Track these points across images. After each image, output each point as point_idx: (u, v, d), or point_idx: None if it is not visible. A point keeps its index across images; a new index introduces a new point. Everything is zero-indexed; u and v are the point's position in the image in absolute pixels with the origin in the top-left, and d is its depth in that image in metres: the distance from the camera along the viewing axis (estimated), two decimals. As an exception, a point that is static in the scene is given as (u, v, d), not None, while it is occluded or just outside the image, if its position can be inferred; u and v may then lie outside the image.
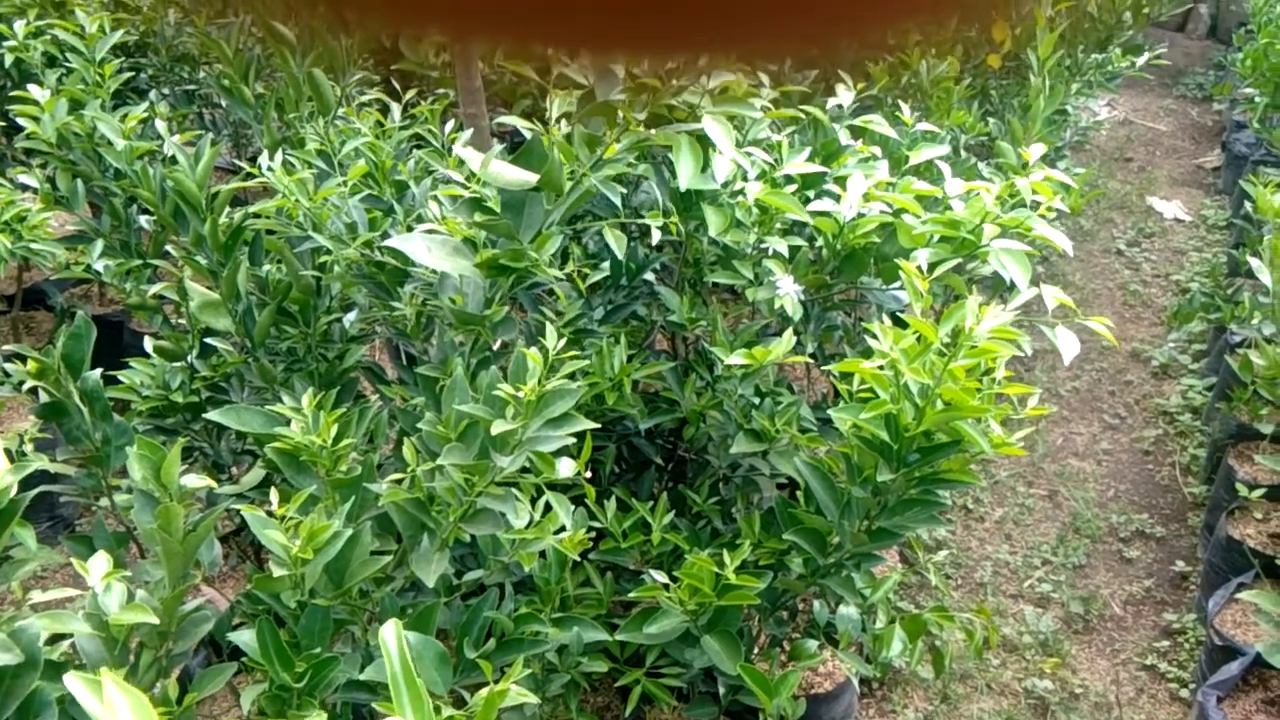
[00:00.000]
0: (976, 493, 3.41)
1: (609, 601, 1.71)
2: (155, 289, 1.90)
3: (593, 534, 1.61)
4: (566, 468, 1.17)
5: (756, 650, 2.01)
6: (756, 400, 1.77)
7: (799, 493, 1.75)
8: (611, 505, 1.64)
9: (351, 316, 1.99)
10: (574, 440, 1.16)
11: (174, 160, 1.81)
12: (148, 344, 1.97)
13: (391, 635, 0.84)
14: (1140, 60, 3.85)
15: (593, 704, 2.14)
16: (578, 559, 1.46)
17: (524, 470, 1.16)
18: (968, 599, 2.98)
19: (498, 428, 1.07)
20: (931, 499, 1.46)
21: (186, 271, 1.87)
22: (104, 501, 1.75)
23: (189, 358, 2.01)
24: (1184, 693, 2.63)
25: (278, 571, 1.07)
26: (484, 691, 1.07)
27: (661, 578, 1.46)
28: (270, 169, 1.61)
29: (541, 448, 1.12)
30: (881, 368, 1.29)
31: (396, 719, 0.76)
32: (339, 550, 1.20)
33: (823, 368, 1.53)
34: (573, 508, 1.31)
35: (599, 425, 1.24)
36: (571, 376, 1.11)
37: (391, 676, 0.81)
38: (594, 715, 1.83)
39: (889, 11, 0.24)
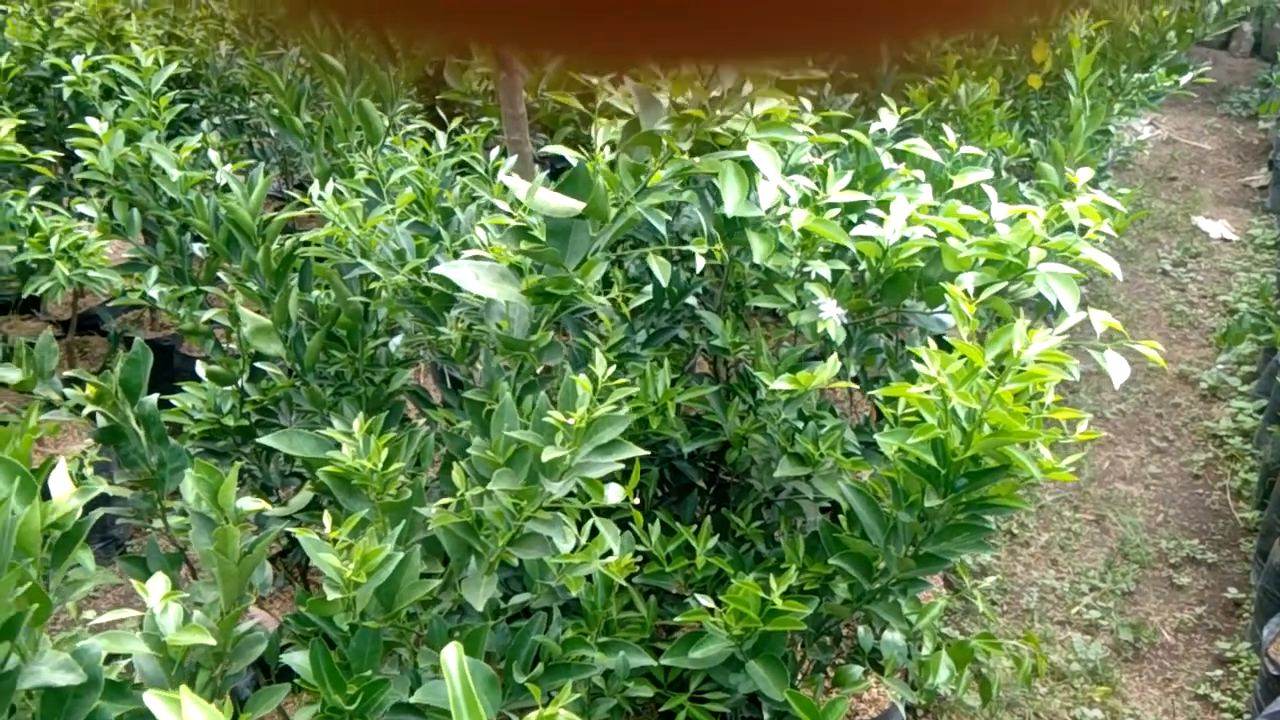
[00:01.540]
0: (1022, 518, 3.37)
1: (652, 626, 1.71)
2: (208, 315, 1.95)
3: (637, 558, 1.62)
4: (615, 494, 1.18)
5: (800, 676, 1.99)
6: (800, 424, 1.76)
7: (842, 517, 1.74)
8: (656, 529, 1.65)
9: (397, 341, 2.02)
10: (622, 466, 1.17)
11: (227, 189, 1.85)
12: (199, 368, 2.01)
13: (453, 657, 0.85)
14: (1184, 79, 3.81)
15: (636, 729, 2.14)
16: (622, 583, 1.46)
17: (570, 495, 1.17)
18: (1014, 625, 2.94)
19: (548, 454, 1.08)
20: (979, 524, 1.45)
21: (238, 297, 1.91)
22: (158, 523, 1.79)
23: (240, 382, 2.05)
24: (1239, 723, 2.57)
25: (331, 594, 1.08)
26: (532, 716, 1.07)
27: (707, 602, 1.46)
28: (321, 198, 1.64)
29: (590, 474, 1.13)
30: (928, 392, 1.29)
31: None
32: (390, 573, 1.22)
33: (868, 393, 1.52)
34: (618, 532, 1.32)
35: (647, 452, 1.24)
36: (619, 403, 1.12)
37: (453, 699, 0.81)
38: (638, 740, 1.83)
39: (920, 18, 0.24)
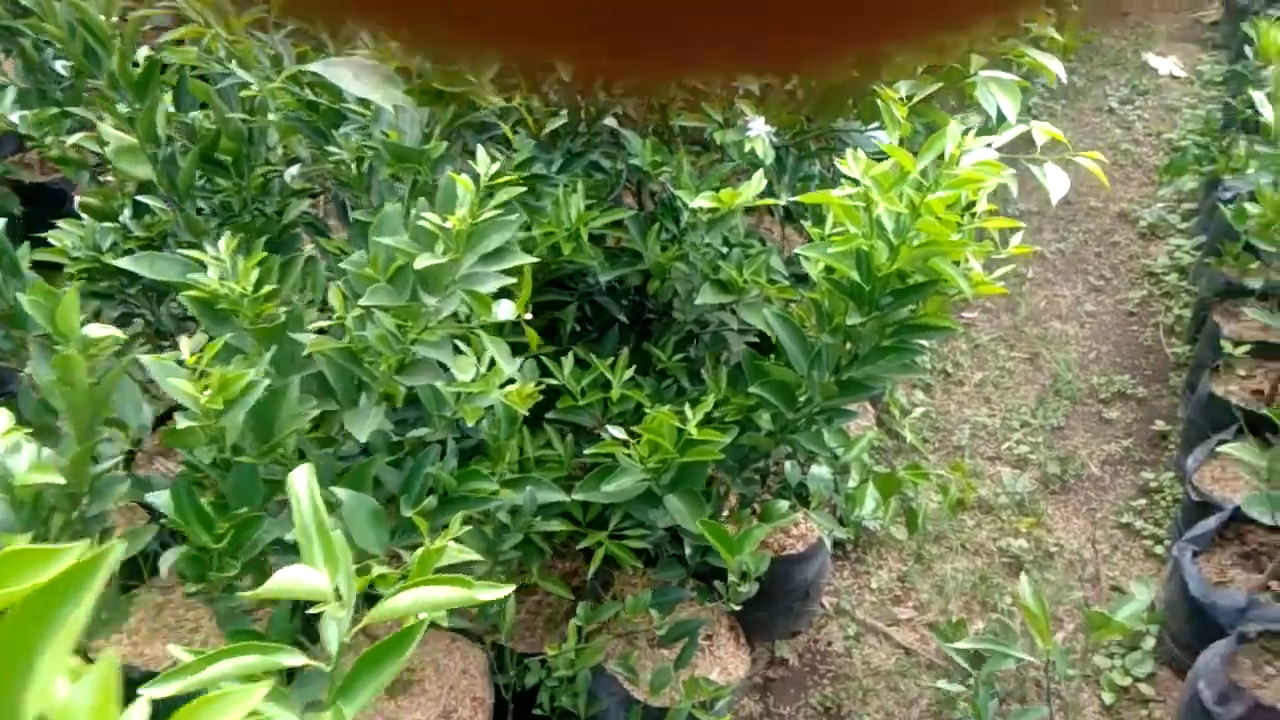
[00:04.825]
0: (956, 356, 3.35)
1: (570, 463, 1.64)
2: (73, 139, 1.75)
3: (544, 390, 1.53)
4: (505, 310, 1.07)
5: (727, 513, 1.96)
6: (725, 250, 1.66)
7: (773, 353, 1.67)
8: (569, 361, 1.55)
9: (294, 170, 1.87)
10: (514, 281, 1.05)
11: (81, -8, 1.63)
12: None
13: (302, 481, 0.75)
14: (1142, -102, 3.61)
15: (561, 569, 2.10)
16: (532, 418, 1.37)
17: (461, 318, 1.06)
18: (945, 462, 2.95)
19: (422, 261, 0.95)
20: (907, 347, 1.37)
21: (108, 120, 1.71)
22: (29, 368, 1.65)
23: (122, 217, 1.88)
24: (1159, 549, 2.63)
25: (183, 423, 0.97)
26: (420, 550, 0.99)
27: (620, 434, 1.38)
28: (181, -8, 1.45)
29: (477, 287, 1.02)
30: (852, 198, 1.18)
31: (304, 569, 0.68)
32: (261, 402, 1.11)
33: (789, 200, 1.41)
34: (519, 360, 1.22)
35: (535, 259, 1.13)
36: (510, 206, 0.99)
37: (300, 527, 0.72)
38: (559, 579, 1.79)
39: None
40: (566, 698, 1.58)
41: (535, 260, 1.10)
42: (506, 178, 0.99)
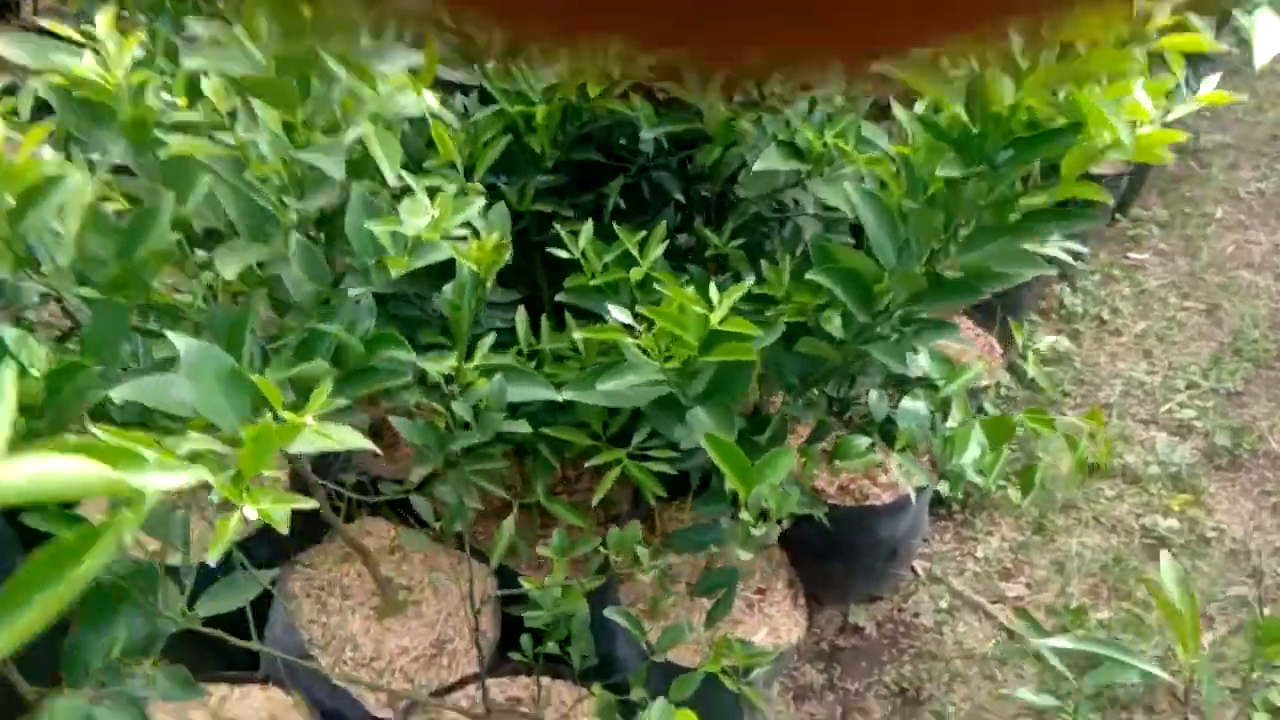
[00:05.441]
0: (1116, 301, 2.85)
1: (591, 359, 1.32)
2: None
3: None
4: (410, 104, 0.74)
5: (794, 446, 1.60)
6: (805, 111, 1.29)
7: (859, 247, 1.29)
8: (587, 229, 1.22)
9: None
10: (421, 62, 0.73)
11: None
12: None
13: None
14: None
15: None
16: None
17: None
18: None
19: None
20: (1032, 227, 0.98)
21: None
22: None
23: None
24: (1349, 549, 2.13)
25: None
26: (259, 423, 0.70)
27: (624, 316, 1.05)
28: None
29: (373, 62, 0.70)
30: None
31: None
32: (129, 225, 0.84)
33: None
34: (479, 202, 0.90)
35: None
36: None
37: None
38: (570, 503, 1.49)
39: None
40: (555, 643, 1.29)
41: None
42: None
